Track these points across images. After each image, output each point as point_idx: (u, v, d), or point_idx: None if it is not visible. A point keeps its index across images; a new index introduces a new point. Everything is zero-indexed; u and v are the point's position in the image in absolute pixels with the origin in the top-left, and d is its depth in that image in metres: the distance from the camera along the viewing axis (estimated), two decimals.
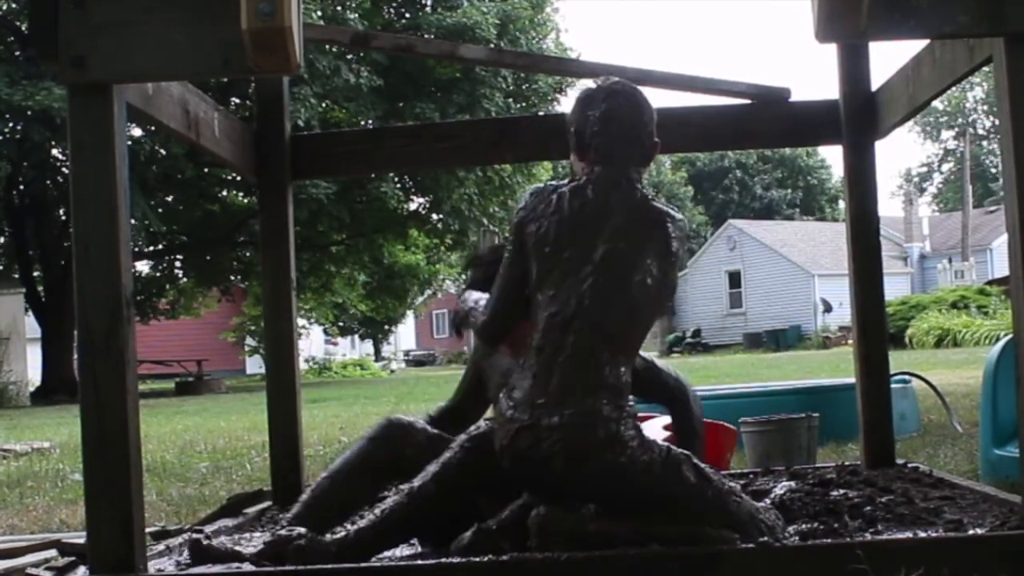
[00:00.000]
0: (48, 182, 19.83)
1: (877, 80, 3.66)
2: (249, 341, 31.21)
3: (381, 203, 20.50)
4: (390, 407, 11.74)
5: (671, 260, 2.58)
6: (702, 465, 2.51)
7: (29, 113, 16.69)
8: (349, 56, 18.55)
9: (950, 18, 2.40)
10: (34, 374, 20.86)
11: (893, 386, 3.73)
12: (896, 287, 33.89)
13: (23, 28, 18.35)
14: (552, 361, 2.47)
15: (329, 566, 2.50)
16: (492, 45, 19.18)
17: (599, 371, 2.45)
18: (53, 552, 3.42)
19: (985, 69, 2.70)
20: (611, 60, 4.14)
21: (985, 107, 60.35)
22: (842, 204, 3.95)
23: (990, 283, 30.35)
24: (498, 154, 4.29)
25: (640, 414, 2.86)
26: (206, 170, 19.48)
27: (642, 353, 2.78)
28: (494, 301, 2.72)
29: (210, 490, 5.34)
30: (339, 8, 19.82)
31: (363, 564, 2.47)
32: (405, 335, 47.23)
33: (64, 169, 18.98)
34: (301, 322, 25.41)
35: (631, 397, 2.52)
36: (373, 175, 17.38)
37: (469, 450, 2.60)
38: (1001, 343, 4.46)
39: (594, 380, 2.45)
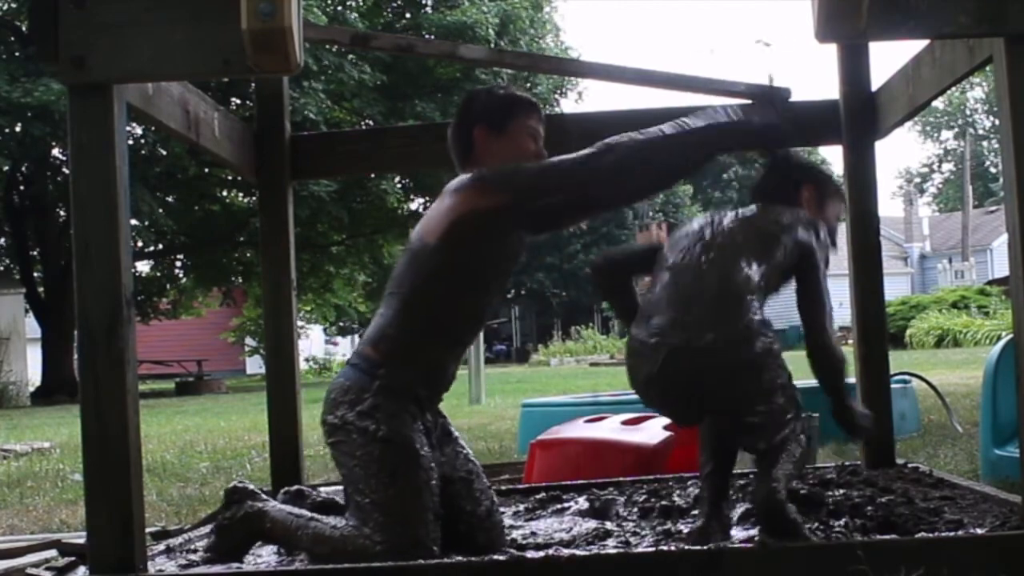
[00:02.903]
0: (48, 182, 19.84)
1: (877, 80, 3.66)
2: (249, 341, 31.19)
3: (381, 203, 20.49)
4: None
5: None
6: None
7: (29, 114, 16.69)
8: (351, 56, 18.56)
9: (950, 19, 2.40)
10: (34, 374, 20.84)
11: (893, 386, 3.73)
12: (896, 287, 33.86)
13: (23, 28, 18.35)
14: None
15: (329, 567, 2.50)
16: (492, 45, 19.18)
17: None
18: (53, 552, 3.43)
19: (985, 69, 2.70)
20: (611, 60, 4.14)
21: (985, 107, 60.36)
22: None
23: (990, 283, 30.34)
24: None
25: (638, 415, 2.88)
26: (207, 170, 19.49)
27: None
28: None
29: (210, 490, 5.35)
30: (339, 8, 19.82)
31: (362, 565, 2.47)
32: None
33: (64, 169, 18.99)
34: (301, 322, 25.40)
35: None
36: (373, 175, 17.37)
37: None
38: (1001, 343, 4.46)
39: None
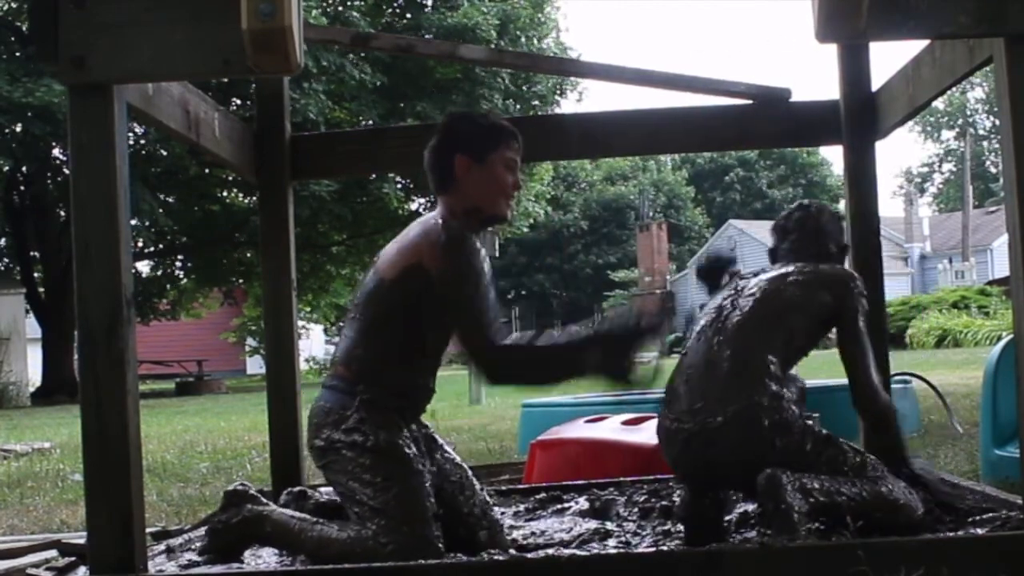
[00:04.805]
0: (48, 182, 19.84)
1: (877, 80, 3.66)
2: (250, 341, 31.21)
3: (382, 203, 20.50)
4: None
5: None
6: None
7: (30, 114, 16.69)
8: (351, 57, 18.56)
9: (950, 19, 2.40)
10: (34, 374, 20.85)
11: (893, 386, 3.73)
12: (896, 287, 33.86)
13: (23, 28, 18.35)
14: None
15: (328, 567, 2.50)
16: (492, 45, 19.16)
17: None
18: (53, 552, 3.43)
19: (985, 69, 2.71)
20: (611, 60, 4.14)
21: (985, 107, 60.35)
22: (843, 203, 3.95)
23: (990, 283, 30.32)
24: None
25: (638, 415, 2.88)
26: (207, 170, 19.48)
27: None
28: None
29: (210, 490, 5.34)
30: (340, 8, 19.81)
31: (363, 565, 2.47)
32: None
33: (64, 169, 18.99)
34: (301, 322, 25.37)
35: None
36: (373, 175, 17.37)
37: None
38: (1001, 343, 4.46)
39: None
